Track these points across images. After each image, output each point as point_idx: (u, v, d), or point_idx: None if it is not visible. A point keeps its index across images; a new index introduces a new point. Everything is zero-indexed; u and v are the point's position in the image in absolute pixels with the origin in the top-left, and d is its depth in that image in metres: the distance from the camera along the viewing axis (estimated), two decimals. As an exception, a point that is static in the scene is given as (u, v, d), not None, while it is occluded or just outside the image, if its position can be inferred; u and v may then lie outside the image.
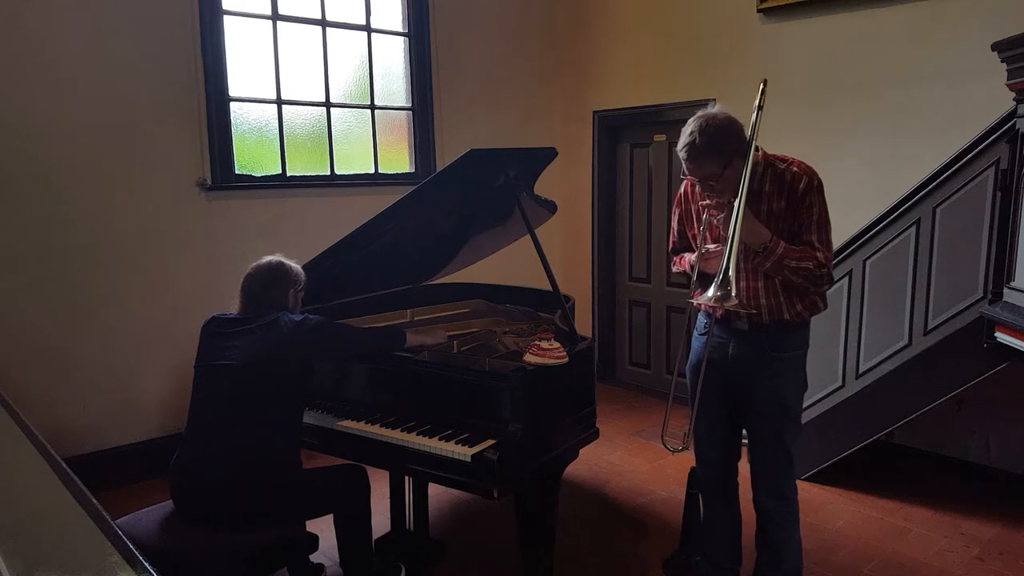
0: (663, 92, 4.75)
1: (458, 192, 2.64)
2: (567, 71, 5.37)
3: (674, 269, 2.52)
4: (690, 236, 2.41)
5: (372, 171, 4.63)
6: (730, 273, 1.99)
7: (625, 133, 5.21)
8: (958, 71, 3.46)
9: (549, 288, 2.66)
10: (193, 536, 2.14)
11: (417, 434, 2.30)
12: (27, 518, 1.36)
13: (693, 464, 2.60)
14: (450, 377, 2.38)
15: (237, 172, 4.07)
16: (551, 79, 5.39)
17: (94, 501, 1.34)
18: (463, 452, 2.16)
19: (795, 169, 2.17)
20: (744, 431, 2.46)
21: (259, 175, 4.16)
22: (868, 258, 3.30)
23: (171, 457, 2.28)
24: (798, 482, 2.57)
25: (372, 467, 2.47)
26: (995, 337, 2.88)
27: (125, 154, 3.66)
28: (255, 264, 2.40)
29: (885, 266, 3.25)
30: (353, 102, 4.55)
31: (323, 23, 4.34)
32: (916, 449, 3.85)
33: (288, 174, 4.26)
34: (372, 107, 4.61)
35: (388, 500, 3.02)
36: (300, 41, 4.28)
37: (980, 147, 2.91)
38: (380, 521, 2.99)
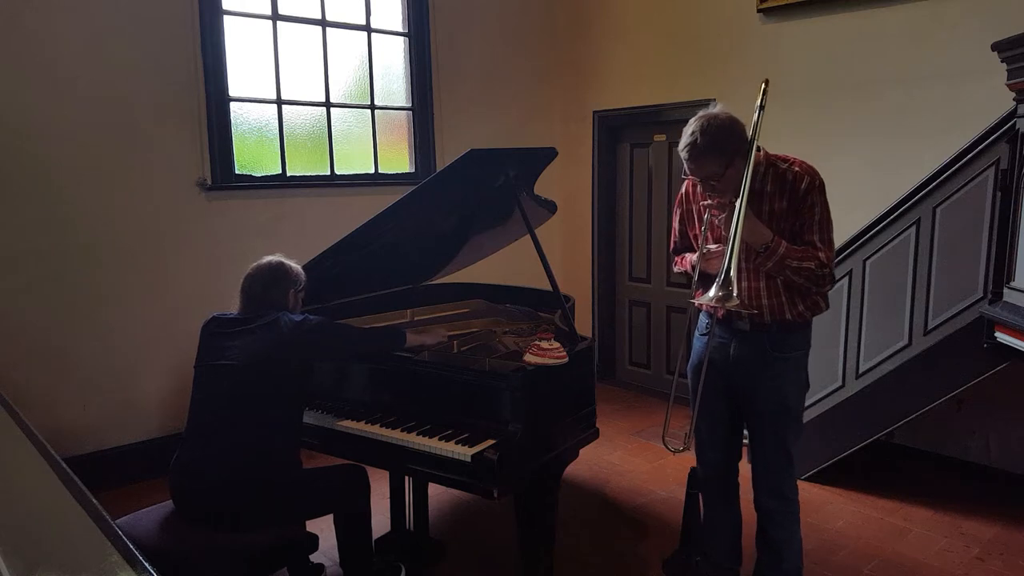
0: (663, 92, 4.75)
1: (458, 192, 2.64)
2: (567, 71, 5.37)
3: (675, 269, 2.52)
4: (691, 236, 2.40)
5: (372, 171, 4.63)
6: (731, 273, 1.98)
7: (625, 133, 5.21)
8: (958, 71, 3.46)
9: (549, 288, 2.66)
10: (193, 536, 2.14)
11: (417, 434, 2.30)
12: (27, 518, 1.36)
13: (693, 464, 2.60)
14: (450, 377, 2.38)
15: (237, 172, 4.07)
16: (551, 79, 5.39)
17: (94, 501, 1.33)
18: (463, 452, 2.16)
19: (797, 169, 2.16)
20: (745, 431, 2.46)
21: (259, 175, 4.16)
22: (868, 258, 3.30)
23: (171, 457, 2.28)
24: (798, 482, 2.57)
25: (372, 467, 2.47)
26: (995, 337, 2.88)
27: (125, 154, 3.66)
28: (255, 264, 2.40)
29: (885, 266, 3.25)
30: (353, 102, 4.55)
31: (323, 23, 4.34)
32: (916, 449, 3.85)
33: (288, 174, 4.26)
34: (372, 107, 4.61)
35: (388, 500, 3.02)
36: (300, 41, 4.28)
37: (980, 147, 2.91)
38: (380, 521, 2.99)
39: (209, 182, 3.91)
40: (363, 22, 4.54)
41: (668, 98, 4.72)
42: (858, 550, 3.00)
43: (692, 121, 2.12)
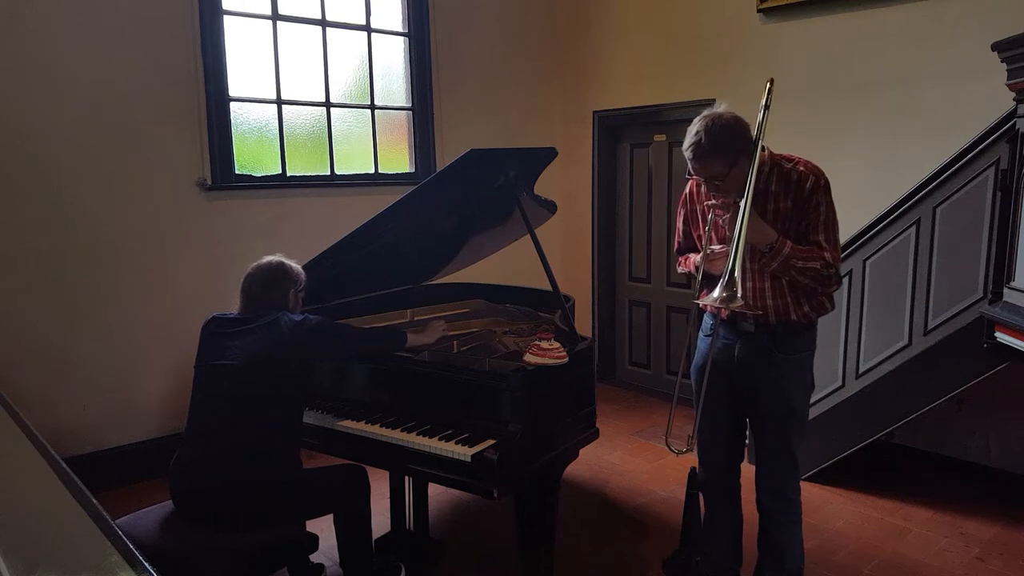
0: (663, 92, 4.75)
1: (458, 192, 2.64)
2: (567, 71, 5.37)
3: (679, 270, 2.51)
4: (695, 236, 2.39)
5: (372, 171, 4.63)
6: (736, 274, 1.96)
7: (625, 133, 5.21)
8: (958, 71, 3.46)
9: (549, 288, 2.66)
10: (193, 536, 2.14)
11: (417, 434, 2.30)
12: (27, 518, 1.36)
13: (694, 464, 2.60)
14: (450, 377, 2.38)
15: (237, 172, 4.07)
16: (551, 79, 5.39)
17: (94, 501, 1.33)
18: (463, 452, 2.16)
19: (801, 168, 2.15)
20: (748, 432, 2.46)
21: (259, 175, 4.16)
22: (868, 258, 3.30)
23: (171, 457, 2.28)
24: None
25: (372, 467, 2.48)
26: (995, 337, 2.88)
27: (125, 154, 3.66)
28: (255, 264, 2.40)
29: (885, 266, 3.25)
30: (353, 102, 4.55)
31: (323, 23, 4.34)
32: (916, 449, 3.85)
33: (288, 174, 4.26)
34: (372, 107, 4.61)
35: (388, 500, 3.02)
36: (300, 41, 4.28)
37: (980, 147, 2.91)
38: (380, 521, 2.99)
39: (209, 182, 3.91)
40: (363, 22, 4.54)
41: (668, 98, 4.72)
42: (858, 550, 3.00)
43: (696, 120, 2.10)
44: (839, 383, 3.43)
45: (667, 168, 4.97)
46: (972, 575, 2.81)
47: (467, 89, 4.92)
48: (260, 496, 2.18)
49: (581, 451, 2.55)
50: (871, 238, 3.27)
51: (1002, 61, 2.69)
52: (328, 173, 4.44)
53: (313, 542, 2.34)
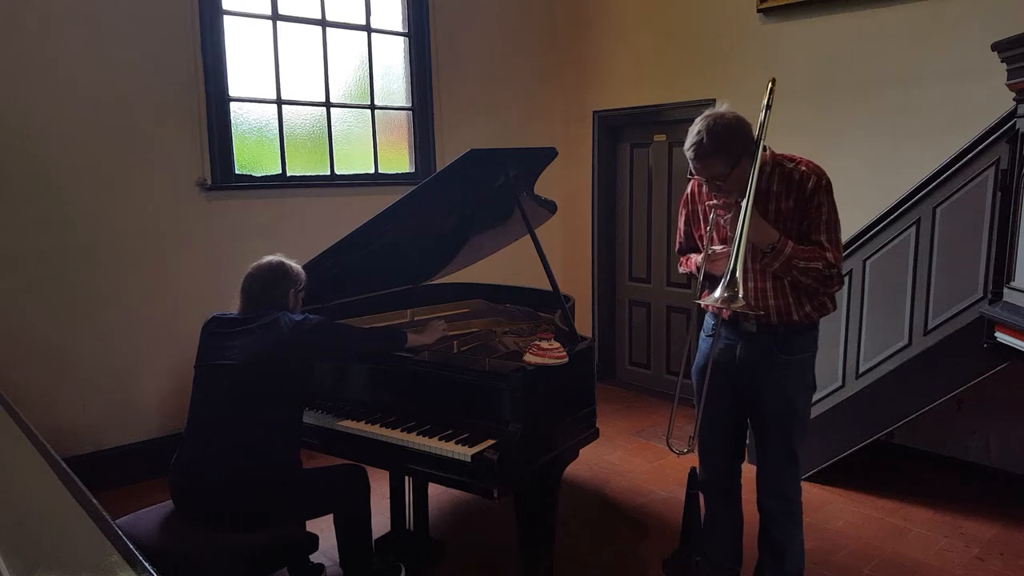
0: (663, 92, 4.75)
1: (458, 192, 2.64)
2: (567, 71, 5.37)
3: (681, 270, 2.50)
4: (697, 237, 2.39)
5: (372, 171, 4.63)
6: (737, 274, 1.96)
7: (625, 133, 5.21)
8: (958, 71, 3.46)
9: (549, 288, 2.66)
10: (193, 536, 2.14)
11: (417, 434, 2.30)
12: (27, 518, 1.36)
13: (695, 465, 2.60)
14: (450, 377, 2.38)
15: (237, 172, 4.07)
16: (551, 79, 5.39)
17: (94, 501, 1.33)
18: (463, 452, 2.16)
19: (803, 168, 2.15)
20: (749, 432, 2.45)
21: (259, 175, 4.16)
22: (868, 258, 3.30)
23: (171, 457, 2.28)
24: (798, 482, 2.57)
25: (372, 467, 2.47)
26: (995, 337, 2.88)
27: (125, 154, 3.66)
28: (255, 264, 2.40)
29: (885, 266, 3.25)
30: (353, 102, 4.55)
31: (323, 23, 4.34)
32: (916, 449, 3.85)
33: (288, 174, 4.26)
34: (372, 107, 4.61)
35: (388, 500, 3.02)
36: (300, 41, 4.28)
37: (980, 147, 2.91)
38: (380, 521, 2.99)
39: (209, 182, 3.91)
40: (363, 22, 4.54)
41: (668, 98, 4.72)
42: (858, 550, 3.00)
43: (698, 120, 2.10)
44: (839, 383, 3.43)
45: (667, 168, 4.97)
46: (972, 575, 2.81)
47: (467, 89, 4.92)
48: (260, 496, 2.18)
49: (581, 451, 2.55)
50: (871, 238, 3.27)
51: (1002, 61, 2.69)
52: (328, 173, 4.44)
53: (313, 542, 2.34)
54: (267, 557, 2.18)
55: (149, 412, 3.83)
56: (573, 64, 5.33)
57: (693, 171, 2.14)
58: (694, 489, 2.70)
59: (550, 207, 2.97)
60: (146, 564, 1.10)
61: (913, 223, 3.14)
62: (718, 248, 2.18)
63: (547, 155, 2.73)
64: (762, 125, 2.11)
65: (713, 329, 2.34)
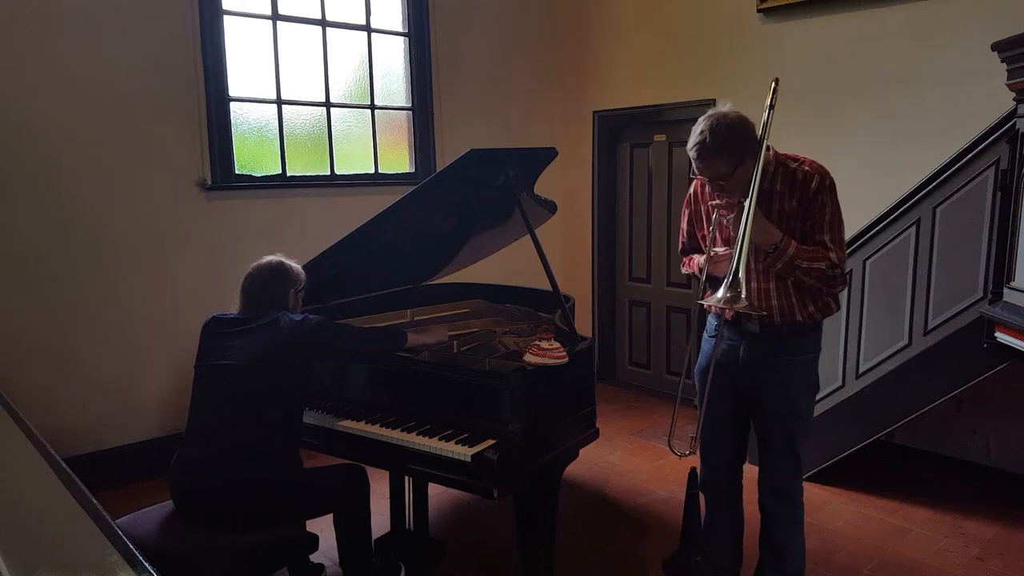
0: (663, 92, 4.75)
1: (458, 192, 2.64)
2: (567, 71, 5.37)
3: (683, 271, 2.49)
4: (699, 237, 2.38)
5: (372, 171, 4.63)
6: (740, 274, 1.95)
7: (625, 133, 5.21)
8: (958, 71, 3.46)
9: (549, 288, 2.66)
10: (193, 536, 2.14)
11: (417, 434, 2.30)
12: (27, 518, 1.36)
13: (694, 464, 2.59)
14: (450, 377, 2.38)
15: (237, 172, 4.07)
16: (551, 79, 5.39)
17: (94, 501, 1.34)
18: (463, 452, 2.16)
19: (807, 168, 2.14)
20: (752, 432, 2.45)
21: (259, 175, 4.16)
22: (868, 258, 3.30)
23: (171, 457, 2.28)
24: (798, 482, 2.57)
25: (372, 467, 2.47)
26: (995, 337, 2.88)
27: (125, 154, 3.66)
28: (255, 264, 2.40)
29: (885, 266, 3.25)
30: (353, 102, 4.55)
31: (323, 23, 4.34)
32: (916, 449, 3.85)
33: (288, 174, 4.26)
34: (372, 107, 4.61)
35: (388, 500, 3.02)
36: (300, 41, 4.28)
37: (980, 147, 2.91)
38: (380, 521, 2.99)
39: (209, 182, 3.91)
40: (363, 22, 4.54)
41: (668, 98, 4.72)
42: (858, 550, 3.00)
43: (701, 120, 2.09)
44: (839, 383, 3.43)
45: (667, 168, 4.96)
46: (972, 575, 2.81)
47: (467, 89, 4.92)
48: (260, 496, 2.18)
49: (581, 451, 2.54)
50: (871, 238, 3.27)
51: (1002, 61, 2.69)
52: (328, 173, 4.44)
53: (313, 542, 2.34)
54: (267, 557, 2.18)
55: (149, 412, 3.83)
56: (573, 64, 5.33)
57: (696, 171, 2.13)
58: (694, 489, 2.69)
59: (550, 207, 2.97)
60: (146, 564, 1.10)
61: (913, 223, 3.14)
62: (720, 251, 2.17)
63: (547, 155, 2.73)
64: (765, 125, 2.10)
65: (716, 330, 2.33)
